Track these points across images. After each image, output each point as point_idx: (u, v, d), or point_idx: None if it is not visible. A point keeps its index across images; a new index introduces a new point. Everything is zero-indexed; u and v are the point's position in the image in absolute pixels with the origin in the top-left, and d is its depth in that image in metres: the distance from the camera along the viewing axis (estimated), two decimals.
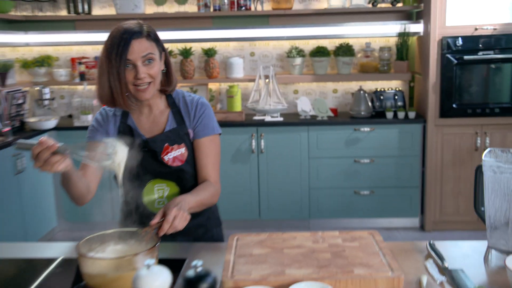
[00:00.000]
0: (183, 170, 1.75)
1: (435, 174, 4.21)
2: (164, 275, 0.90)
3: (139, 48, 1.60)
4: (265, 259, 1.42)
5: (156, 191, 1.76)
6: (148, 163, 1.72)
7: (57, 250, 1.64)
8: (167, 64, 1.74)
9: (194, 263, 0.88)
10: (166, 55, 1.73)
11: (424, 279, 1.34)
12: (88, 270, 1.28)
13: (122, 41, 1.57)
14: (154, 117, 1.78)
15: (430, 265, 1.45)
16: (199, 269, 0.88)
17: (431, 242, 1.56)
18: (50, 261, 1.52)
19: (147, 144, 1.72)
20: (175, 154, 1.74)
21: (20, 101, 4.26)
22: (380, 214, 4.34)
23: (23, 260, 1.55)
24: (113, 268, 1.27)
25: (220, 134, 1.83)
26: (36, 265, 1.50)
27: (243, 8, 4.49)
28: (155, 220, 1.47)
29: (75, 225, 4.46)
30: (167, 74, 1.75)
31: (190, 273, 0.88)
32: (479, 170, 1.53)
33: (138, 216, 1.72)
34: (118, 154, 1.42)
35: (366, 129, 4.21)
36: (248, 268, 1.37)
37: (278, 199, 4.32)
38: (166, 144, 1.73)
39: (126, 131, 1.74)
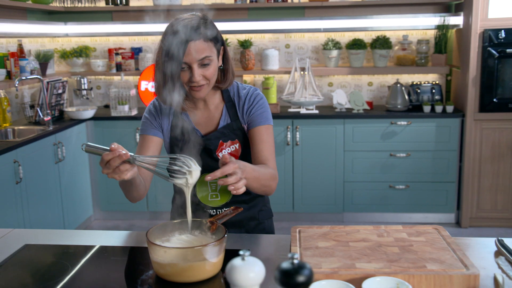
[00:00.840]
0: None
1: (473, 169, 4.12)
2: (258, 267, 0.87)
3: (196, 50, 1.54)
4: (332, 252, 1.38)
5: (209, 185, 1.67)
6: (202, 159, 1.68)
7: (94, 238, 1.66)
8: (225, 60, 1.68)
9: (290, 254, 0.85)
10: (225, 50, 1.66)
11: (500, 277, 1.28)
12: (159, 259, 1.26)
13: (178, 42, 1.52)
14: (209, 112, 1.75)
15: (502, 262, 1.39)
16: (295, 261, 0.84)
17: (500, 239, 1.50)
18: (87, 248, 1.54)
19: (204, 140, 1.69)
20: (229, 150, 1.71)
21: (60, 91, 4.28)
22: (415, 209, 4.26)
23: (62, 246, 1.56)
24: (183, 258, 1.24)
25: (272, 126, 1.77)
26: (74, 252, 1.51)
27: (279, 0, 4.44)
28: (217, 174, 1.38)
29: (110, 214, 4.48)
30: (223, 70, 1.69)
31: (286, 265, 0.84)
32: None
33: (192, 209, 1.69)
34: (193, 175, 1.37)
35: (403, 122, 4.13)
36: (317, 260, 1.33)
37: (312, 192, 4.28)
38: (220, 141, 1.70)
39: (181, 125, 1.71)
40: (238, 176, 1.38)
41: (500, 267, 1.37)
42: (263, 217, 1.84)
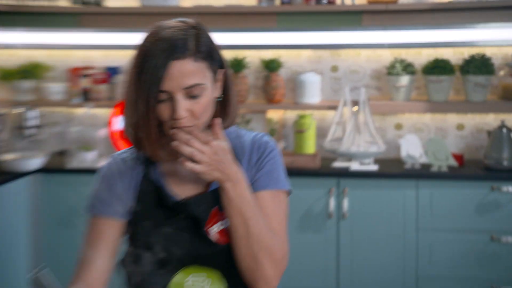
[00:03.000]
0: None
1: None
2: None
3: (181, 74, 1.56)
4: None
5: (191, 285, 1.68)
6: (183, 239, 1.68)
7: None
8: (226, 88, 1.72)
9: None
10: (226, 74, 1.71)
11: None
12: None
13: (157, 61, 1.55)
14: None
15: None
16: None
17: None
18: None
19: (184, 208, 1.68)
20: (224, 225, 1.69)
21: None
22: None
23: None
24: None
25: (289, 192, 1.81)
26: None
27: (325, 1, 4.38)
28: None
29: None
30: (223, 103, 1.72)
31: None
32: None
33: None
34: None
35: (511, 188, 3.85)
36: None
37: None
38: (213, 209, 1.69)
39: (149, 191, 1.71)
40: (205, 160, 1.55)
41: None
42: None
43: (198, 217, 1.68)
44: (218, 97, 1.69)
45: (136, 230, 1.73)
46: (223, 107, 1.73)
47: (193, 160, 1.54)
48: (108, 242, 1.72)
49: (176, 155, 1.63)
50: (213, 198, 1.70)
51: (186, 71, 1.57)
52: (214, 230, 1.69)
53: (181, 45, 1.57)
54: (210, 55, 1.64)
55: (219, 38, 4.64)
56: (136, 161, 1.75)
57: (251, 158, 1.77)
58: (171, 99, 1.57)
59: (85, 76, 4.52)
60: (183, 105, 1.57)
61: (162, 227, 1.67)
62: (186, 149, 1.52)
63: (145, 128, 1.59)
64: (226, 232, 1.70)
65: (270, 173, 1.74)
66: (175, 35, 1.58)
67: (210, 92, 1.63)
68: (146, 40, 1.60)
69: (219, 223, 1.70)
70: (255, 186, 1.73)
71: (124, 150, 1.78)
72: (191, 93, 1.58)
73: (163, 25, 1.62)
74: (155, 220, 1.69)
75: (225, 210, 1.62)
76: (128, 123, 1.64)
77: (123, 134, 1.69)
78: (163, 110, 1.58)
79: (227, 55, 4.50)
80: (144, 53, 1.58)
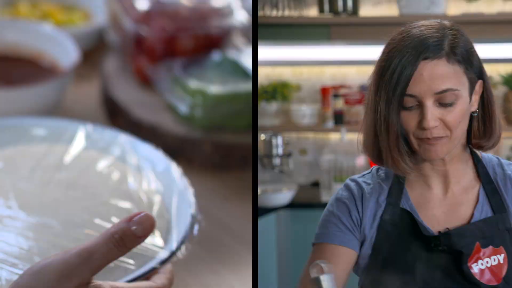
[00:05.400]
0: None
1: None
2: None
3: (433, 76, 1.52)
4: None
5: None
6: (435, 277, 1.64)
7: None
8: (485, 103, 1.65)
9: None
10: (485, 86, 1.64)
11: None
12: None
13: (404, 60, 1.52)
14: (452, 195, 1.68)
15: None
16: None
17: None
18: None
19: (446, 240, 1.63)
20: (488, 264, 1.64)
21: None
22: None
23: None
24: None
25: None
26: None
27: None
28: None
29: None
30: (482, 119, 1.67)
31: None
32: None
33: None
34: None
35: None
36: None
37: None
38: (477, 243, 1.63)
39: (399, 220, 1.67)
40: None
41: None
42: None
43: (462, 250, 1.62)
44: (474, 112, 1.65)
45: (378, 266, 1.65)
46: (483, 124, 1.67)
47: None
48: (336, 272, 1.68)
49: (420, 168, 1.65)
50: (478, 231, 1.65)
51: (439, 73, 1.53)
52: (478, 266, 1.63)
53: (434, 43, 1.53)
54: (468, 59, 1.56)
55: (491, 49, 4.79)
56: (378, 185, 1.71)
57: None
58: (419, 105, 1.53)
59: (337, 96, 4.62)
60: (433, 113, 1.53)
61: (414, 265, 1.63)
62: None
63: (386, 139, 1.56)
64: (487, 271, 1.64)
65: None
66: (428, 33, 1.54)
67: (466, 103, 1.59)
68: (393, 38, 1.58)
69: (481, 261, 1.63)
70: None
71: (363, 173, 1.74)
72: (443, 100, 1.52)
73: (414, 24, 1.59)
74: (404, 255, 1.66)
75: None
76: (365, 135, 1.62)
77: (363, 149, 1.66)
78: (409, 119, 1.54)
79: (500, 69, 4.79)
80: (389, 52, 1.56)
